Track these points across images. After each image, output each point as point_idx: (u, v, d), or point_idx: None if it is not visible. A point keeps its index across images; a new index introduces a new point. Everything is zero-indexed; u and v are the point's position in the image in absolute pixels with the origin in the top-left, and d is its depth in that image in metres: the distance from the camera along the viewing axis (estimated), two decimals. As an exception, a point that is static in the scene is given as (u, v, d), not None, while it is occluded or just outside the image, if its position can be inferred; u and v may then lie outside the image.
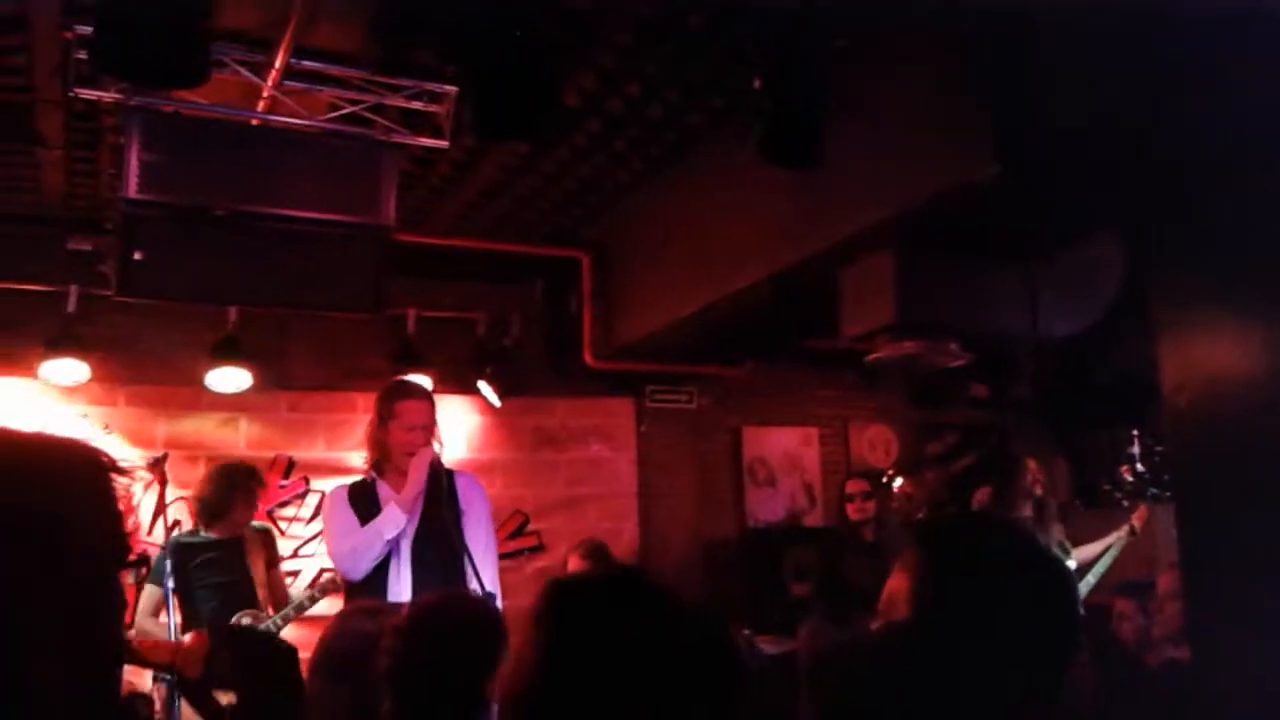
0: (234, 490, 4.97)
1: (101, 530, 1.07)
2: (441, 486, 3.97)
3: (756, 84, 3.24)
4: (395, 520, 3.88)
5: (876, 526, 5.90)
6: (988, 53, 3.39)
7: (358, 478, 4.27)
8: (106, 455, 1.11)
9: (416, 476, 3.92)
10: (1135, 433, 6.89)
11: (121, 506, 1.09)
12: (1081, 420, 7.53)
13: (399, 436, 4.01)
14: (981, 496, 6.98)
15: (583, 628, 1.38)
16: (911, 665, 1.50)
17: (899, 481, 7.45)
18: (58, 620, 0.99)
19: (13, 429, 1.09)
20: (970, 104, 3.37)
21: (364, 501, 4.02)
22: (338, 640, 2.29)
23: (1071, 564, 5.80)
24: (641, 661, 1.34)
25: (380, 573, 3.89)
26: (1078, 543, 5.99)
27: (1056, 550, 5.87)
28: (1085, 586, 5.60)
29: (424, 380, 5.97)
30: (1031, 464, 6.02)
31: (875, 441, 7.94)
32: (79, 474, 1.07)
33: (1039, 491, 6.05)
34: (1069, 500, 7.27)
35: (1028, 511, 5.93)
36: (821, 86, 3.16)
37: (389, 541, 3.87)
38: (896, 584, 1.61)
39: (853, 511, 5.90)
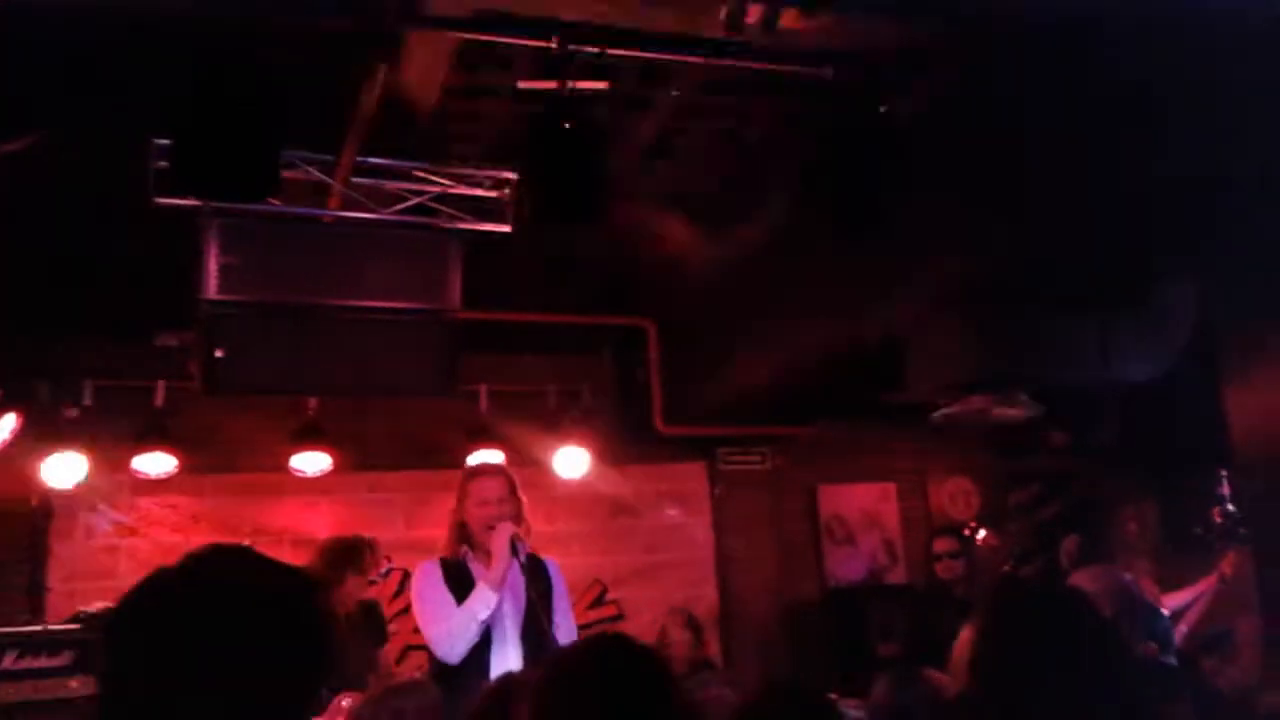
0: (348, 562, 5.08)
1: (310, 645, 1.24)
2: (525, 564, 3.99)
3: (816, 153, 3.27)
4: (486, 600, 3.86)
5: (966, 583, 5.75)
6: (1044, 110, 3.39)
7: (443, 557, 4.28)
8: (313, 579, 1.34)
9: (500, 553, 3.94)
10: (1224, 474, 6.68)
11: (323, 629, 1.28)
12: (1169, 463, 7.31)
13: (473, 512, 4.06)
14: (1069, 545, 6.82)
15: None
16: None
17: (982, 533, 7.30)
18: None
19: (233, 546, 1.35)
20: (1029, 166, 3.37)
21: (458, 579, 4.03)
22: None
23: (1165, 613, 5.62)
24: None
25: (481, 652, 3.85)
26: (1169, 587, 5.81)
27: (1148, 603, 5.69)
28: (1178, 635, 5.41)
29: (497, 455, 6.07)
30: (1127, 510, 5.86)
31: (956, 494, 7.81)
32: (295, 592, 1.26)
33: (1134, 540, 5.89)
34: (1160, 544, 7.05)
35: (1127, 559, 5.77)
36: (887, 155, 3.18)
37: (483, 622, 3.87)
38: (961, 647, 1.63)
39: (941, 570, 5.76)
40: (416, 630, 6.21)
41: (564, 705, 1.92)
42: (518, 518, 4.09)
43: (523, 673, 2.20)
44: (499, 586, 3.89)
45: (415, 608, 4.15)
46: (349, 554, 5.08)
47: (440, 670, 3.95)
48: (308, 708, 1.27)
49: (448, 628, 3.87)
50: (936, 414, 4.52)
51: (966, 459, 7.75)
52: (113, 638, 1.24)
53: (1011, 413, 4.47)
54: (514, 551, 3.94)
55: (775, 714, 1.66)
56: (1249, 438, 3.14)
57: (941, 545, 5.82)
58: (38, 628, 5.31)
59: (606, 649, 2.16)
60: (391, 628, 6.29)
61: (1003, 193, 3.41)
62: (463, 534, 4.10)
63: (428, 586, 4.04)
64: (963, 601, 5.69)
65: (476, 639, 3.84)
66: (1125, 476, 7.46)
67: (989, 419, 4.62)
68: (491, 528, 3.97)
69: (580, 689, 1.95)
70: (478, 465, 4.47)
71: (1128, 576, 5.25)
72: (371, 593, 6.26)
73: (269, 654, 1.17)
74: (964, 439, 7.55)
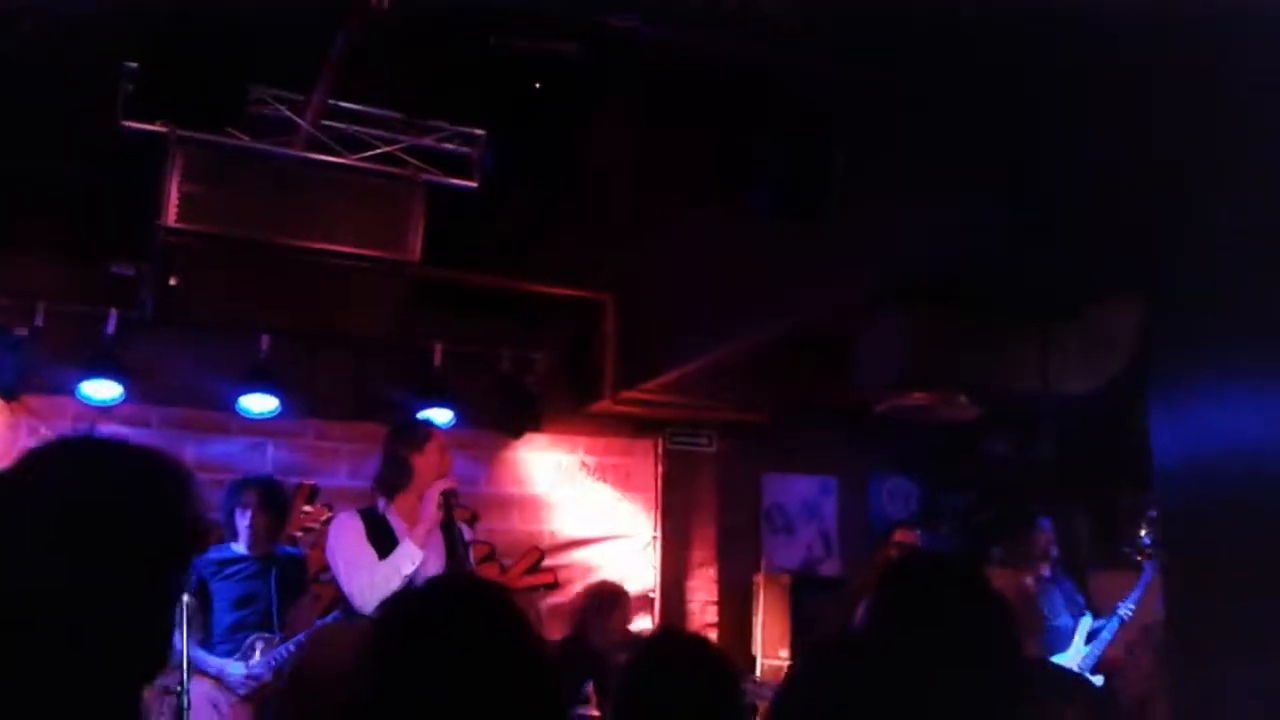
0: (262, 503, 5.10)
1: (159, 529, 1.19)
2: (455, 523, 4.04)
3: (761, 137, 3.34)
4: (411, 556, 3.91)
5: None
6: (998, 114, 3.47)
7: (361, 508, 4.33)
8: (178, 464, 1.26)
9: (429, 511, 3.98)
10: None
11: (187, 511, 1.23)
12: (1102, 480, 7.48)
13: (420, 466, 4.11)
14: (994, 553, 6.96)
15: None
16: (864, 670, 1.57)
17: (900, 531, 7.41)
18: (109, 604, 1.11)
19: (98, 437, 1.28)
20: (979, 164, 3.45)
21: (378, 533, 4.07)
22: (315, 663, 2.35)
23: (1085, 621, 5.76)
24: None
25: None
26: (1098, 603, 5.96)
27: (1065, 609, 5.84)
28: (1090, 656, 5.56)
29: (446, 413, 6.11)
30: (1045, 524, 6.02)
31: (895, 492, 7.93)
32: (146, 478, 1.21)
33: (1054, 552, 6.04)
34: (1087, 560, 7.22)
35: (1043, 571, 5.92)
36: (831, 143, 3.26)
37: (406, 577, 3.91)
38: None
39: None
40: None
41: (649, 693, 2.01)
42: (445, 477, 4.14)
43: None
44: (424, 543, 3.94)
45: (332, 558, 4.18)
46: (264, 494, 5.11)
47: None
48: (155, 587, 1.20)
49: (369, 580, 3.91)
50: (879, 407, 4.61)
51: (908, 459, 7.87)
52: None
53: (949, 412, 4.57)
54: (446, 508, 3.99)
55: (665, 656, 1.73)
56: (1167, 453, 3.25)
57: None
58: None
59: (686, 643, 2.28)
60: (326, 575, 6.31)
61: (952, 189, 3.49)
62: (396, 484, 4.15)
63: (347, 537, 4.08)
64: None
65: (394, 591, 3.86)
66: (1058, 490, 7.62)
67: (928, 416, 4.72)
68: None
69: (664, 680, 2.04)
70: (423, 422, 4.52)
71: (1029, 580, 5.41)
72: (310, 540, 6.30)
73: (107, 527, 1.14)
74: (908, 440, 7.68)
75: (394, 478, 4.21)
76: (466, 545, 4.07)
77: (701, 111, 4.22)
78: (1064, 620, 5.76)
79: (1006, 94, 3.23)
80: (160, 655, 1.22)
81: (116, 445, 1.26)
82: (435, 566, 3.95)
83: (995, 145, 3.37)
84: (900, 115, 3.53)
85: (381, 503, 4.19)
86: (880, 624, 1.61)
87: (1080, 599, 6.05)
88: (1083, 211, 3.56)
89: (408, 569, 3.89)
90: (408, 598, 1.61)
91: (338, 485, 6.42)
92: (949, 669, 1.58)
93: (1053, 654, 5.37)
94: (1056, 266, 4.02)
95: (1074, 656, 5.59)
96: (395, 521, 4.11)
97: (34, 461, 1.20)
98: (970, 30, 3.00)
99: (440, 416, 6.03)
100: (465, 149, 4.56)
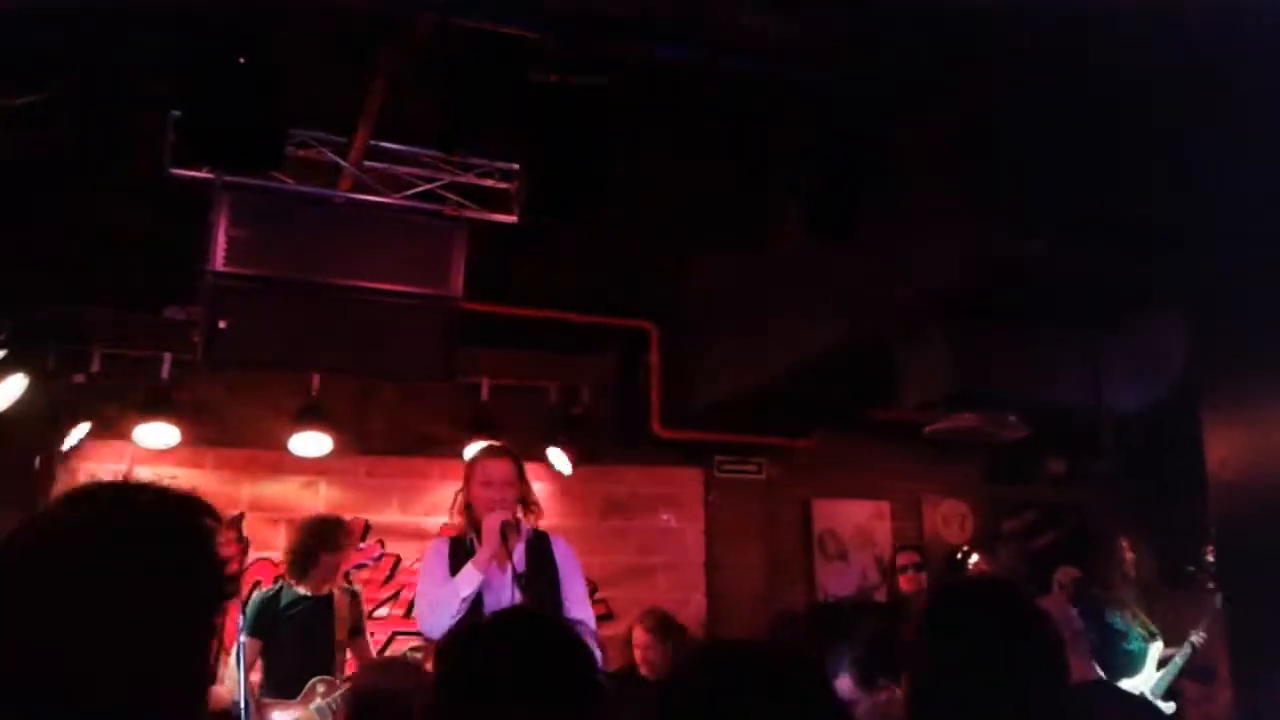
0: (323, 540, 5.14)
1: (196, 573, 1.18)
2: (532, 549, 4.04)
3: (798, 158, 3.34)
4: (470, 579, 3.92)
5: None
6: (1039, 124, 3.44)
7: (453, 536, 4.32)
8: (209, 508, 1.24)
9: (487, 537, 3.99)
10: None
11: (223, 553, 1.21)
12: (1165, 497, 7.31)
13: (475, 493, 4.12)
14: (1065, 577, 6.82)
15: None
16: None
17: (974, 559, 7.31)
18: (148, 645, 1.10)
19: (131, 481, 1.25)
20: (1019, 174, 3.41)
21: (459, 558, 4.09)
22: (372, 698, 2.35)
23: (1157, 646, 5.60)
24: None
25: None
26: (1162, 624, 5.80)
27: (1140, 631, 5.67)
28: (1162, 682, 5.40)
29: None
30: (1125, 544, 5.86)
31: (950, 516, 7.82)
32: (181, 522, 1.20)
33: (1133, 573, 5.89)
34: (1149, 581, 7.04)
35: (1125, 592, 5.77)
36: (865, 160, 3.25)
37: (465, 599, 3.93)
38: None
39: (905, 583, 5.80)
40: (405, 615, 6.35)
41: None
42: (525, 501, 4.15)
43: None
44: (484, 567, 3.95)
45: (417, 582, 4.25)
46: (322, 532, 5.14)
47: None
48: (195, 637, 1.18)
49: (431, 599, 3.95)
50: (929, 428, 4.55)
51: (962, 482, 7.77)
52: None
53: (1001, 432, 4.50)
54: (503, 536, 3.99)
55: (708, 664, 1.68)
56: (1225, 472, 3.17)
57: (905, 559, 5.86)
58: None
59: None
60: (381, 611, 6.37)
61: (993, 202, 3.46)
62: (468, 514, 4.16)
63: (429, 562, 4.13)
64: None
65: (459, 616, 3.83)
66: (1121, 508, 7.46)
67: (980, 437, 4.65)
68: (491, 510, 4.03)
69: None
70: (487, 446, 4.51)
71: (1073, 612, 5.27)
72: (364, 576, 6.35)
73: (142, 582, 1.11)
74: (961, 462, 7.57)
75: (461, 506, 4.22)
76: (521, 576, 4.05)
77: (737, 137, 4.24)
78: (1136, 644, 5.60)
79: (1048, 104, 3.20)
80: (199, 701, 1.20)
81: (147, 489, 1.24)
82: (507, 598, 3.97)
83: (1037, 154, 3.33)
84: (939, 128, 3.51)
85: (471, 534, 4.19)
86: (925, 648, 1.57)
87: (1150, 622, 5.88)
88: (1126, 220, 3.51)
89: (465, 590, 3.90)
90: (469, 630, 1.59)
91: (389, 521, 6.48)
92: (989, 694, 1.55)
93: (1123, 678, 5.23)
94: (1101, 277, 3.97)
95: (1145, 682, 5.43)
96: (477, 549, 4.11)
97: (66, 507, 1.20)
98: (1011, 42, 2.99)
99: (488, 450, 6.05)
100: (504, 184, 4.62)
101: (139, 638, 1.09)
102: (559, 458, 6.60)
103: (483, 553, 3.97)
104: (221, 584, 1.20)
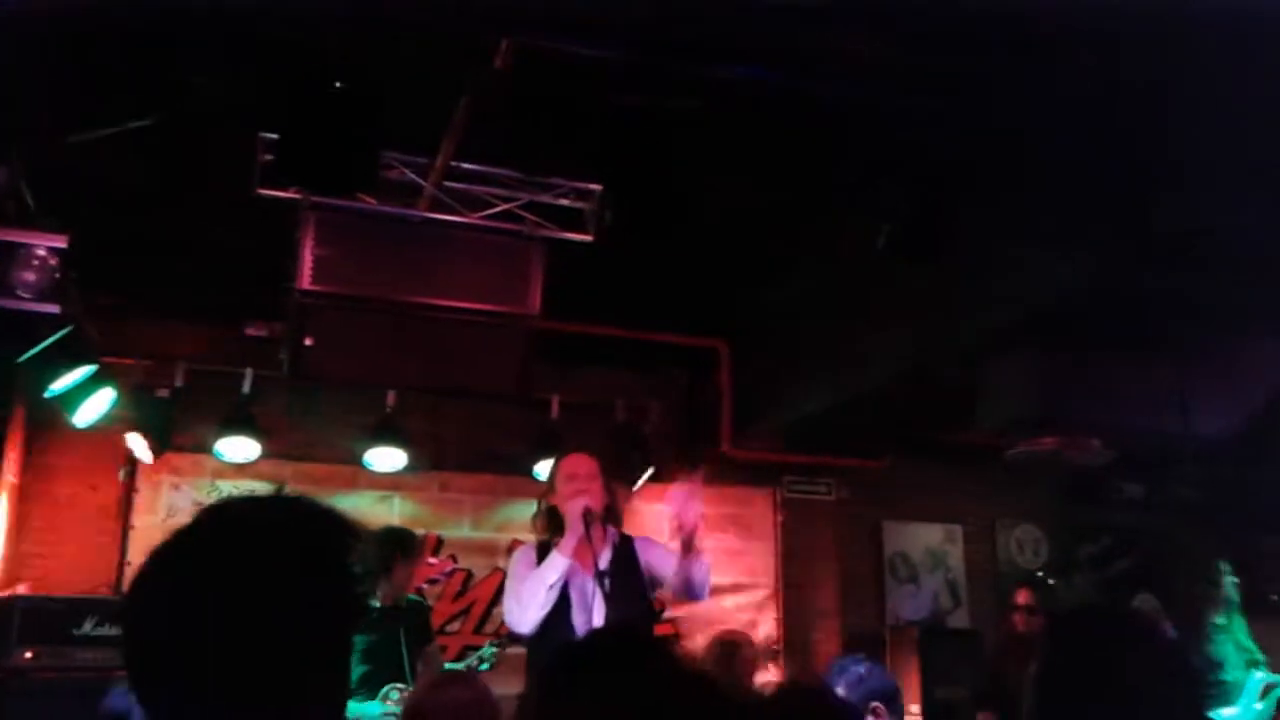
0: (394, 550, 5.20)
1: (341, 590, 1.20)
2: (617, 552, 4.04)
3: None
4: (555, 565, 3.88)
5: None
6: (1124, 146, 3.39)
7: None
8: (353, 526, 1.25)
9: (571, 524, 4.00)
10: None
11: (358, 570, 1.22)
12: (1249, 524, 7.12)
13: (562, 490, 4.15)
14: (1143, 604, 6.65)
15: None
16: None
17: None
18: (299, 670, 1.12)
19: (274, 495, 1.28)
20: (1105, 196, 3.37)
21: (544, 557, 4.11)
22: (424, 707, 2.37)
23: (1259, 675, 5.42)
24: None
25: (559, 624, 3.84)
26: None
27: (1238, 660, 5.49)
28: (1265, 713, 5.22)
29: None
30: (1226, 567, 5.69)
31: (1024, 541, 7.68)
32: (329, 539, 1.22)
33: (1236, 596, 5.71)
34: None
35: (1218, 618, 5.60)
36: (954, 184, 3.23)
37: (551, 588, 3.88)
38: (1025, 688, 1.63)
39: (1020, 623, 5.64)
40: (475, 631, 6.40)
41: None
42: (609, 509, 4.16)
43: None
44: (569, 552, 3.93)
45: (506, 586, 4.22)
46: (395, 542, 5.20)
47: (526, 644, 4.01)
48: (340, 653, 1.21)
49: (519, 592, 3.93)
50: (1010, 452, 4.48)
51: (1036, 506, 7.63)
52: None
53: (1083, 457, 4.41)
54: (586, 523, 3.99)
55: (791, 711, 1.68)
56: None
57: (1023, 597, 5.67)
58: (114, 597, 5.56)
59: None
60: (452, 626, 6.43)
61: (1077, 223, 3.41)
62: (552, 517, 4.18)
63: (517, 564, 4.11)
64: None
65: (547, 607, 3.82)
66: (1201, 536, 7.27)
67: (1061, 462, 4.57)
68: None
69: None
70: (571, 446, 4.55)
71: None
72: (435, 590, 6.41)
73: (294, 598, 1.13)
74: (1034, 485, 7.44)
75: (544, 510, 4.23)
76: (604, 573, 4.03)
77: (811, 155, 4.23)
78: (1236, 673, 5.42)
79: (1132, 127, 3.16)
80: (341, 717, 1.22)
81: (291, 503, 1.26)
82: (591, 592, 3.98)
83: (1121, 177, 3.29)
84: (1024, 152, 3.47)
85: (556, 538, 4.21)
86: (1054, 689, 1.54)
87: (1252, 650, 5.68)
88: (1212, 242, 3.44)
89: (551, 578, 3.88)
90: (569, 647, 1.59)
91: (462, 537, 6.54)
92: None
93: (1222, 708, 5.07)
94: (1188, 300, 3.89)
95: (1246, 713, 5.25)
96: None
97: (215, 521, 1.21)
98: (1093, 66, 2.95)
99: (559, 468, 6.09)
100: (581, 204, 4.66)
101: (291, 651, 1.11)
102: (626, 475, 6.60)
103: (568, 539, 3.96)
104: (361, 601, 1.22)
